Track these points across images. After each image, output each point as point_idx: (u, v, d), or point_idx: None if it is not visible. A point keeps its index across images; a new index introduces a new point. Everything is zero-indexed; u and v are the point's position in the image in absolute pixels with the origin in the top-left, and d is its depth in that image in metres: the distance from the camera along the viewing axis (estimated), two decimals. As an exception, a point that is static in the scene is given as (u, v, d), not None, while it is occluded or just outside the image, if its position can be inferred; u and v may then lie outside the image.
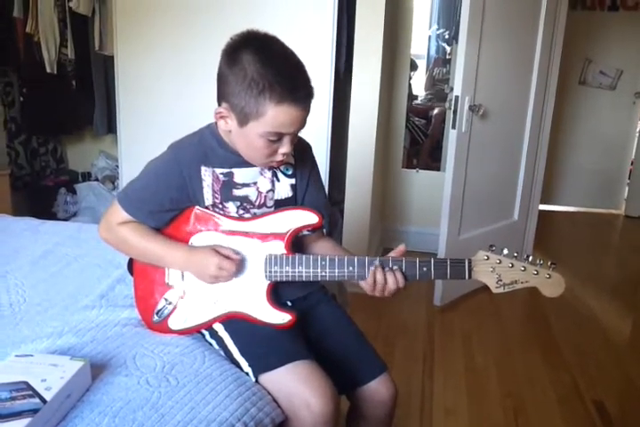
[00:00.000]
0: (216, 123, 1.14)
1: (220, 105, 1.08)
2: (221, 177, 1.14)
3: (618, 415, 1.95)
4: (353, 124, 2.78)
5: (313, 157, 1.27)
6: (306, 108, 1.04)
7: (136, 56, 2.72)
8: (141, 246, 1.16)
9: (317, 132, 2.56)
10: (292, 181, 1.21)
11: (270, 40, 1.05)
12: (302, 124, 1.06)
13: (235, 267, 1.11)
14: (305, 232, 1.20)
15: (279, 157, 1.10)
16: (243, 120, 1.04)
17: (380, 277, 1.10)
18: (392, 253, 1.14)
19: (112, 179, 3.51)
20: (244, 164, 1.15)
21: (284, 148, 1.07)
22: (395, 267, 1.11)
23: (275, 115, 1.01)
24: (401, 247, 1.15)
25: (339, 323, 1.27)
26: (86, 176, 3.66)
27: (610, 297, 3.02)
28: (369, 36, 2.65)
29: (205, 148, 1.14)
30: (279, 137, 1.06)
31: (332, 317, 1.28)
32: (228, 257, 1.11)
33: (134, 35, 2.70)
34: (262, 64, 0.99)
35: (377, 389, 1.20)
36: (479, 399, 2.01)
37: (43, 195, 3.48)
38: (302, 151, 1.23)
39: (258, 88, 0.99)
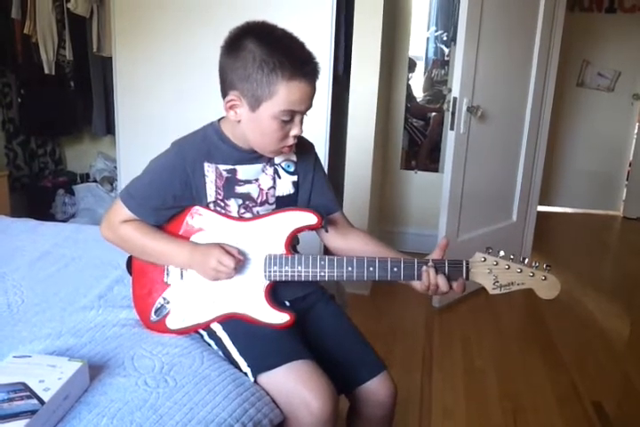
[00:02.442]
0: (219, 121, 1.16)
1: (226, 96, 1.08)
2: (224, 173, 1.14)
3: (616, 416, 1.95)
4: (351, 126, 2.77)
5: (316, 155, 1.28)
6: (314, 84, 1.08)
7: (134, 57, 2.72)
8: (144, 244, 1.16)
9: (316, 134, 2.56)
10: (294, 178, 1.22)
11: (270, 26, 1.09)
12: (311, 101, 1.09)
13: (234, 263, 1.10)
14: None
15: (290, 141, 1.11)
16: (254, 104, 1.06)
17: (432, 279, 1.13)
18: (435, 251, 1.19)
19: (110, 180, 3.51)
20: (248, 160, 1.15)
21: (296, 129, 1.09)
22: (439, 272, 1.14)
23: (287, 91, 1.04)
24: (443, 241, 1.20)
25: (337, 323, 1.27)
26: (85, 177, 3.65)
27: (608, 298, 3.02)
28: (367, 38, 2.65)
29: (209, 144, 1.14)
30: (291, 116, 1.07)
31: (331, 317, 1.27)
32: (230, 254, 1.11)
33: (132, 36, 2.70)
34: (269, 45, 1.03)
35: (376, 388, 1.20)
36: (478, 400, 2.01)
37: (41, 196, 3.48)
38: (304, 150, 1.24)
39: (269, 67, 1.02)
